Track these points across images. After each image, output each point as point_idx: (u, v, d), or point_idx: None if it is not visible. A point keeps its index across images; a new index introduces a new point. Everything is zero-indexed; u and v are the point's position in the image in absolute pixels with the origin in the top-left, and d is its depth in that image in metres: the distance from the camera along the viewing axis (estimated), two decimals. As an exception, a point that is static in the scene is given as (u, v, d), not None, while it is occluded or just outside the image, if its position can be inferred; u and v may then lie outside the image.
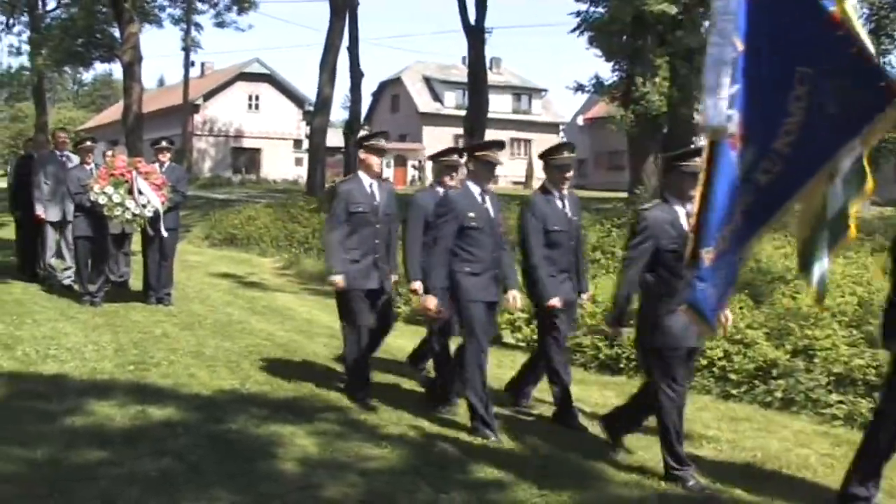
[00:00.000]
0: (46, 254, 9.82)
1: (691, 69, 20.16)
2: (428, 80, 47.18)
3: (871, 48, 3.38)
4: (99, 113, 64.44)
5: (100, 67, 79.43)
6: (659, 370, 4.34)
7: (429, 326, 5.82)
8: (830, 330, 6.54)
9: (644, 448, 4.82)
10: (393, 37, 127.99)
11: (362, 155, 5.60)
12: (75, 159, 9.45)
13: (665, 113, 21.99)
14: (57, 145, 10.05)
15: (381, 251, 5.57)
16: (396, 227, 5.88)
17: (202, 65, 48.72)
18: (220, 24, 30.13)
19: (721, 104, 3.40)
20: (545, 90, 49.44)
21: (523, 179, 43.82)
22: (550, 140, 48.79)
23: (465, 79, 27.64)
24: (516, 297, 5.33)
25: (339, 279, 5.41)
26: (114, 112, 47.90)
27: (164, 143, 9.11)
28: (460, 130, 28.26)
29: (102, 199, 8.14)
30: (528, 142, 47.11)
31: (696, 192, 3.60)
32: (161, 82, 74.27)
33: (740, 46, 3.39)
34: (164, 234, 8.66)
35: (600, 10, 23.39)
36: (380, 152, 5.58)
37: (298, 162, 43.84)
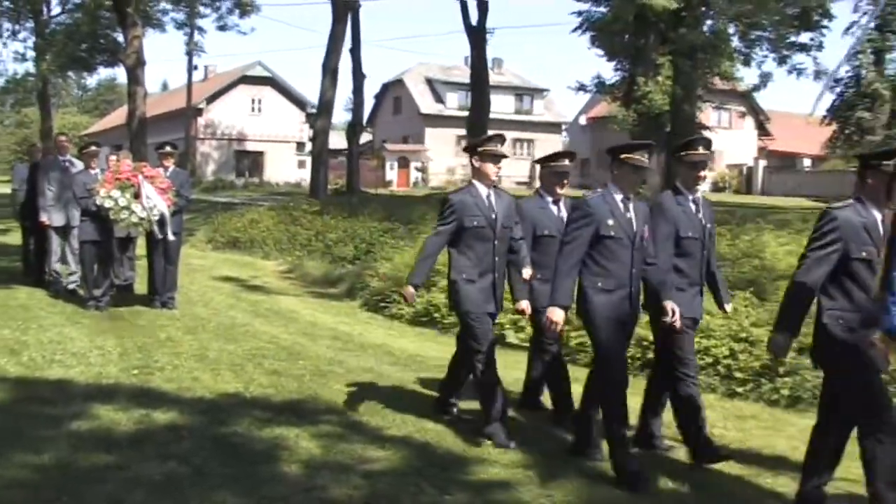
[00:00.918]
0: (51, 259, 9.85)
1: (693, 67, 20.15)
2: (430, 82, 47.17)
3: None
4: (103, 118, 64.63)
5: (104, 72, 79.51)
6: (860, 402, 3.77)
7: (538, 354, 5.44)
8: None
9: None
10: (395, 38, 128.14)
11: (476, 162, 4.93)
12: (79, 164, 9.47)
13: (667, 111, 21.99)
14: (59, 150, 10.08)
15: (501, 270, 4.95)
16: (520, 245, 5.13)
17: (205, 68, 48.80)
18: (223, 28, 30.22)
19: None
20: (547, 90, 49.41)
21: (527, 180, 43.87)
22: (553, 140, 48.96)
23: (467, 80, 27.67)
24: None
25: (411, 291, 4.93)
26: (118, 116, 48.10)
27: (167, 148, 9.13)
28: (463, 131, 28.26)
29: (109, 203, 8.16)
30: (530, 142, 47.12)
31: None
32: (165, 86, 74.55)
33: None
34: (172, 237, 8.70)
35: (602, 9, 23.42)
36: (496, 158, 4.93)
37: (301, 164, 43.91)
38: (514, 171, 44.32)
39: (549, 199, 5.37)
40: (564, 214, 5.12)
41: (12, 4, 31.97)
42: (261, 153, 47.00)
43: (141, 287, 9.67)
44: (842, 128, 36.91)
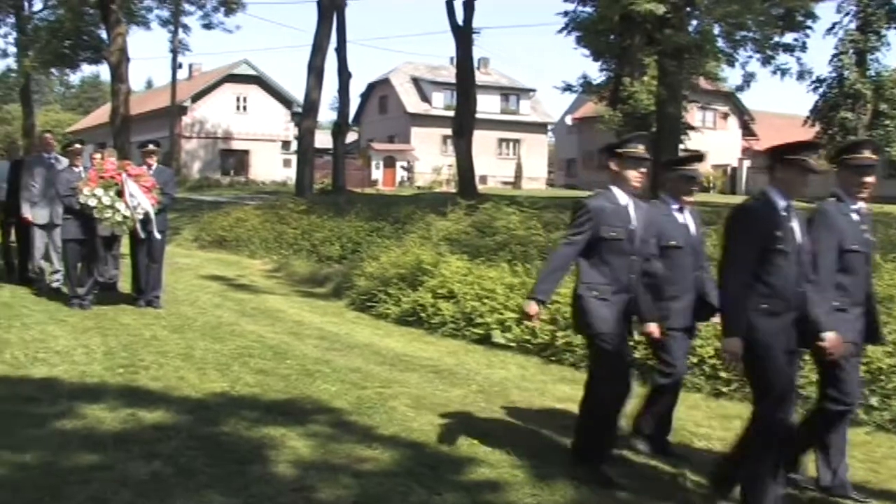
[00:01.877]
0: (35, 256, 9.76)
1: (679, 68, 20.24)
2: (416, 81, 47.16)
3: None
4: (86, 115, 64.13)
5: (87, 69, 78.69)
6: None
7: (658, 381, 4.89)
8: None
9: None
10: (381, 38, 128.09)
11: (615, 166, 4.39)
12: (64, 161, 9.40)
13: (653, 112, 22.09)
14: (45, 147, 9.99)
15: (636, 291, 4.40)
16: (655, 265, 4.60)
17: (190, 66, 48.56)
18: (208, 26, 30.14)
19: None
20: (533, 90, 49.48)
21: (512, 179, 43.96)
22: (539, 140, 49.10)
23: (453, 79, 27.66)
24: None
25: (535, 309, 4.27)
26: (101, 114, 47.68)
27: (150, 146, 9.09)
28: (449, 131, 28.27)
29: (92, 202, 8.10)
30: (516, 142, 47.22)
31: None
32: (149, 84, 74.06)
33: None
34: (157, 235, 8.64)
35: (588, 9, 23.48)
36: (639, 162, 4.36)
37: (287, 163, 43.80)
38: (500, 170, 44.50)
39: (675, 205, 4.85)
40: (691, 223, 4.79)
41: (-8, -1, 31.71)
42: (246, 152, 46.86)
43: (125, 286, 9.59)
44: (825, 128, 37.21)
